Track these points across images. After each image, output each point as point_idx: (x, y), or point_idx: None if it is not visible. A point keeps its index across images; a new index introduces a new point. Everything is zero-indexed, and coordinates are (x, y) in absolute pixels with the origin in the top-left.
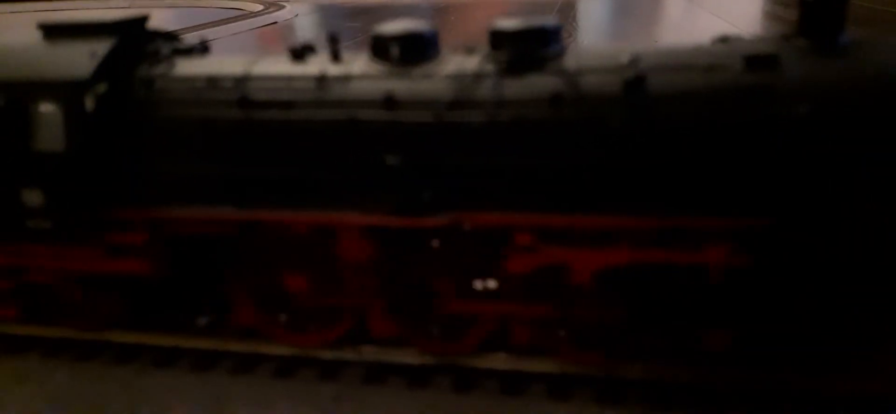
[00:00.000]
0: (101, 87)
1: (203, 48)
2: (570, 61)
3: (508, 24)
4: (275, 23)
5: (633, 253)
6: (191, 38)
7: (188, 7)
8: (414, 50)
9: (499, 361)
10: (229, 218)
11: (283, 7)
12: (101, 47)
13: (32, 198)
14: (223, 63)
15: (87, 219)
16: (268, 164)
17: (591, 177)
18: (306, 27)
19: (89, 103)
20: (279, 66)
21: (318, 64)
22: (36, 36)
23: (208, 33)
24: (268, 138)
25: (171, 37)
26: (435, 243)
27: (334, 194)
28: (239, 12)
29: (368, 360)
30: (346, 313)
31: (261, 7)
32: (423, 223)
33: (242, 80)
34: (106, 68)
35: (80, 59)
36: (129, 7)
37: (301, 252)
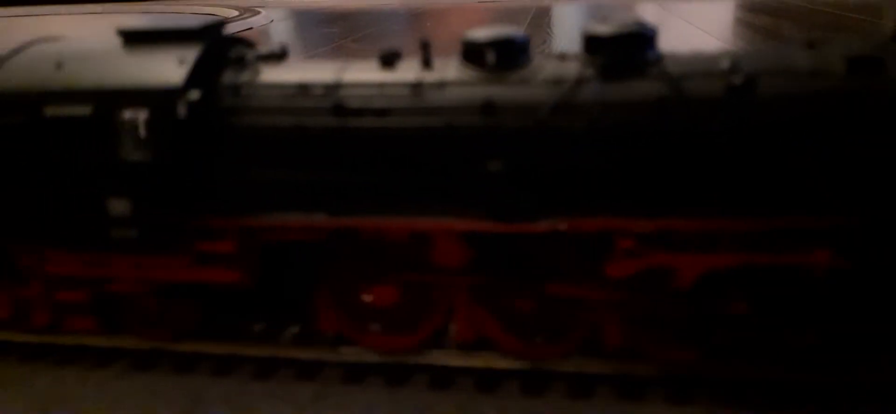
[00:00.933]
0: (194, 95)
1: (282, 53)
2: (672, 66)
3: (605, 29)
4: (250, 28)
5: (739, 255)
6: (272, 44)
7: (161, 13)
8: (509, 55)
9: (477, 360)
10: (325, 225)
11: (259, 12)
12: (190, 54)
13: (119, 207)
14: (309, 70)
15: (176, 228)
16: (361, 171)
17: (695, 180)
18: (282, 33)
19: (182, 111)
20: (370, 72)
21: (409, 71)
22: (113, 42)
23: None
24: (361, 145)
25: (247, 42)
26: (540, 248)
27: (429, 201)
28: (214, 18)
29: (348, 360)
30: (433, 317)
31: (236, 12)
32: (530, 229)
33: (334, 88)
34: (196, 75)
35: (170, 65)
36: (102, 12)
37: (393, 258)
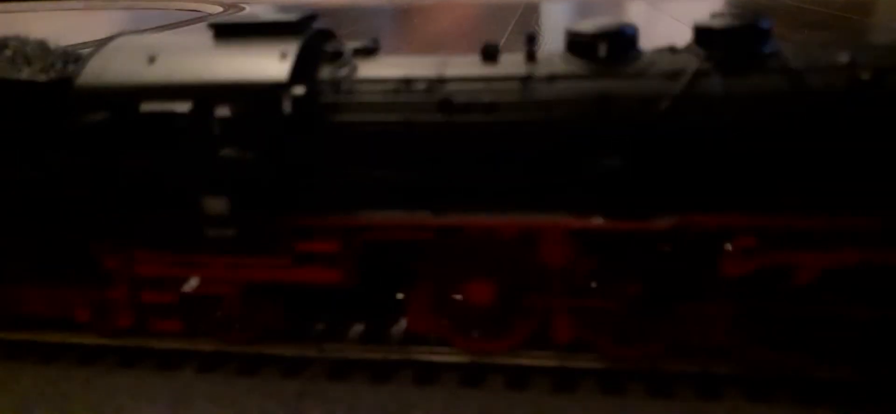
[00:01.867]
0: (299, 90)
1: (374, 47)
2: (791, 60)
3: (721, 22)
4: None
5: (863, 253)
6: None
7: (144, 9)
8: (621, 47)
9: (462, 356)
10: (432, 224)
11: (243, 9)
12: (290, 48)
13: (216, 206)
14: (407, 65)
15: (276, 227)
16: (468, 168)
17: (819, 176)
18: None
19: (287, 106)
20: (473, 67)
21: (514, 65)
22: (204, 35)
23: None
24: (469, 142)
25: (336, 35)
26: (662, 246)
27: (538, 198)
28: (198, 14)
29: (332, 357)
30: (529, 320)
31: (220, 9)
32: (647, 226)
33: (438, 82)
34: (297, 70)
35: (272, 60)
36: (84, 8)
37: (496, 256)
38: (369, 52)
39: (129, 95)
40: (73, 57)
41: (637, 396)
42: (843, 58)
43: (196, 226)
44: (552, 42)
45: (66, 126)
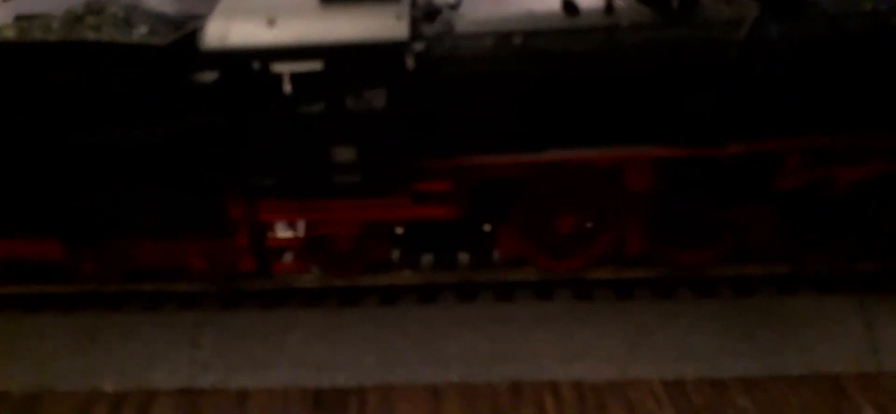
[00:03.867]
0: (419, 46)
1: (456, 4)
2: (828, 8)
3: None
4: None
5: (887, 165)
6: None
7: None
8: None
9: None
10: (533, 162)
11: None
12: (401, 9)
13: (344, 155)
14: (499, 21)
15: (398, 171)
16: (561, 112)
17: (857, 104)
18: None
19: (410, 62)
20: (561, 20)
21: (596, 16)
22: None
23: None
24: (562, 88)
25: None
26: (725, 172)
27: (624, 134)
28: None
29: (225, 290)
30: (606, 237)
31: None
32: (720, 153)
33: (533, 35)
34: (412, 29)
35: (391, 20)
36: None
37: (583, 186)
38: (453, 8)
39: (260, 56)
40: (164, 19)
41: (685, 299)
42: (867, 5)
43: (324, 174)
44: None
45: (189, 86)
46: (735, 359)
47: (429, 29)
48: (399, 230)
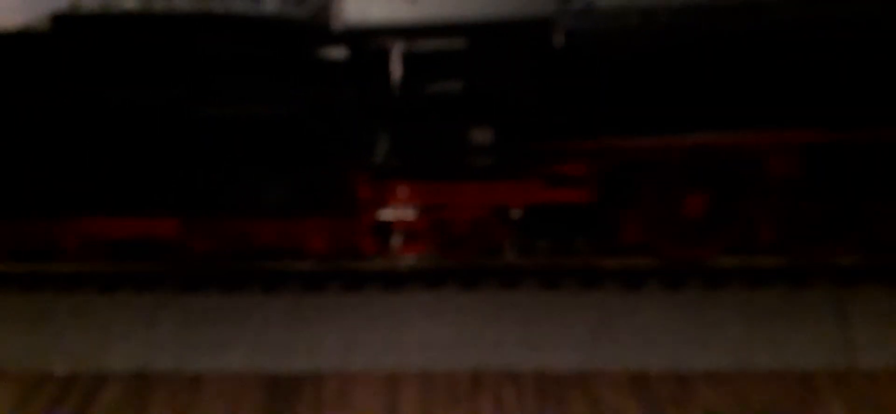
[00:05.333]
0: (567, 22)
1: None
2: None
3: None
4: None
5: None
6: None
7: None
8: None
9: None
10: (683, 145)
11: None
12: None
13: (482, 136)
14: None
15: (536, 153)
16: (706, 92)
17: None
18: None
19: (559, 39)
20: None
21: None
22: None
23: None
24: (706, 68)
25: None
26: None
27: (771, 116)
28: None
29: (185, 273)
30: (739, 224)
31: None
32: (881, 138)
33: (679, 14)
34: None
35: None
36: None
37: (722, 171)
38: None
39: (403, 34)
40: None
41: (653, 289)
42: None
43: (459, 155)
44: None
45: (322, 62)
46: (702, 351)
47: (572, 6)
48: (516, 214)
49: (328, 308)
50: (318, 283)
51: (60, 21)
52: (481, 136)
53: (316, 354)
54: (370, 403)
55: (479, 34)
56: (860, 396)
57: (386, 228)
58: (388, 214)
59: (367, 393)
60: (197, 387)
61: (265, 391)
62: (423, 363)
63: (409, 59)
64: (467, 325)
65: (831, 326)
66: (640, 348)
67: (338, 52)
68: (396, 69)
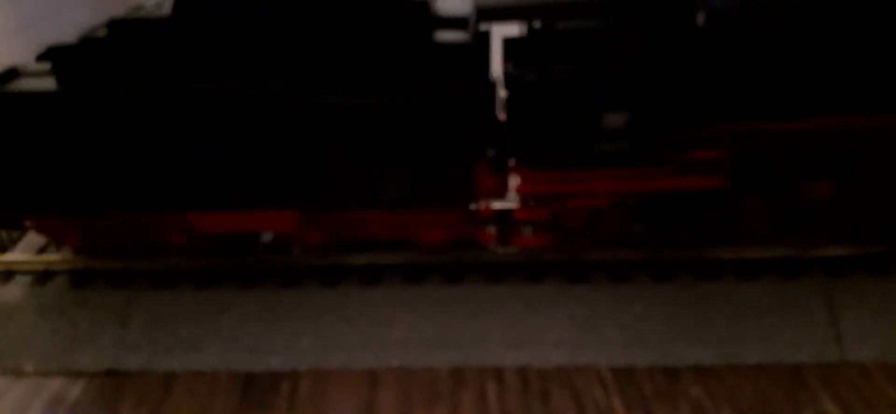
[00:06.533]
0: (716, 2)
1: None
2: None
3: None
4: None
5: None
6: None
7: None
8: None
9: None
10: (821, 127)
11: None
12: None
13: (615, 120)
14: None
15: (671, 138)
16: (849, 73)
17: None
18: None
19: (700, 19)
20: None
21: None
22: None
23: None
24: (848, 47)
25: None
26: None
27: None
28: None
29: (157, 269)
30: (863, 210)
31: None
32: None
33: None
34: None
35: None
36: None
37: (858, 156)
38: None
39: (541, 13)
40: None
41: (641, 283)
42: None
43: (591, 141)
44: None
45: (447, 47)
46: (690, 346)
47: None
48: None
49: (304, 305)
50: (294, 278)
51: (182, 6)
52: (615, 120)
53: (292, 351)
54: (347, 400)
55: (618, 13)
56: (850, 389)
57: (505, 219)
58: (508, 204)
59: (344, 391)
60: (170, 385)
61: (239, 390)
62: (402, 360)
63: (539, 41)
64: (448, 321)
65: (821, 318)
66: (627, 343)
67: (462, 36)
68: (524, 52)
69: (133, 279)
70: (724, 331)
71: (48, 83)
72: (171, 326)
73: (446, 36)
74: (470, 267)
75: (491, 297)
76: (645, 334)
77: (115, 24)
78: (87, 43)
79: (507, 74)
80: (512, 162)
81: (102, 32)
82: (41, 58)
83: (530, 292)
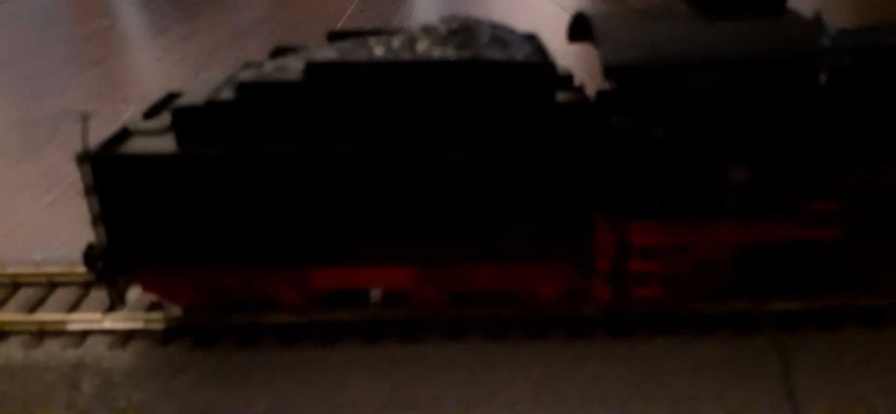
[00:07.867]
0: (834, 60)
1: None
2: None
3: None
4: None
5: None
6: None
7: None
8: None
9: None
10: None
11: None
12: (809, 19)
13: (737, 173)
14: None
15: (786, 190)
16: None
17: None
18: None
19: (823, 77)
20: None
21: None
22: (679, 9)
23: None
24: None
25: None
26: None
27: None
28: None
29: (114, 328)
30: None
31: None
32: None
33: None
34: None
35: (799, 33)
36: None
37: None
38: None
39: (663, 72)
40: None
41: (599, 340)
42: None
43: (715, 193)
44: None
45: (561, 105)
46: (645, 405)
47: (830, 41)
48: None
49: (260, 365)
50: (249, 338)
51: (313, 71)
52: (738, 173)
53: None
54: None
55: (745, 71)
56: None
57: (621, 273)
58: (625, 258)
59: None
60: None
61: None
62: None
63: (664, 98)
64: (404, 382)
65: (774, 374)
66: (582, 402)
67: (576, 96)
68: (651, 107)
69: (84, 338)
70: (679, 389)
71: (167, 143)
72: (124, 389)
73: (562, 96)
74: (427, 325)
75: (449, 355)
76: (600, 393)
77: (244, 87)
78: (214, 105)
79: (626, 130)
80: (630, 215)
81: (227, 95)
82: (148, 115)
83: (489, 350)
